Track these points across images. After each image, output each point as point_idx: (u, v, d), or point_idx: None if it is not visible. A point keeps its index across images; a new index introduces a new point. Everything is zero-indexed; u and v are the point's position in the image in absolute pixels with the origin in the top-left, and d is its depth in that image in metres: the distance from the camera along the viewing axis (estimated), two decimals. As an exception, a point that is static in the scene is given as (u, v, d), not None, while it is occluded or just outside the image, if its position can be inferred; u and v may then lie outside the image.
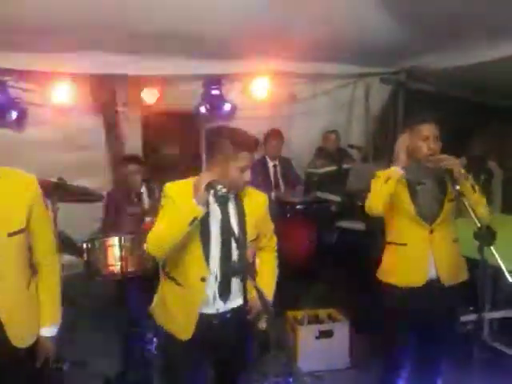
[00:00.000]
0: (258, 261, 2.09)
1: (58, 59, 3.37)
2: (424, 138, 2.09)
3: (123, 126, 3.96)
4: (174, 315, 1.89)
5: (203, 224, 1.82)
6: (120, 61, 3.61)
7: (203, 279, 1.83)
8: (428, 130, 2.10)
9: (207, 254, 1.84)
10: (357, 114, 4.77)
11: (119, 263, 2.57)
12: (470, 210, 1.88)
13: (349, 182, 4.12)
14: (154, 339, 3.00)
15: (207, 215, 1.81)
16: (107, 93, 3.77)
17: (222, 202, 1.79)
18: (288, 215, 4.08)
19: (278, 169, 4.33)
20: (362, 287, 3.47)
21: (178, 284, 1.88)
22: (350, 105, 4.72)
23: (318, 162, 4.46)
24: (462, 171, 2.01)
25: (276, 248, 2.14)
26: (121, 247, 2.59)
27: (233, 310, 1.91)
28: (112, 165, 3.87)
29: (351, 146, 4.57)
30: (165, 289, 1.95)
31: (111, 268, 2.61)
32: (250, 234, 1.91)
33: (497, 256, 1.76)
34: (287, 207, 4.09)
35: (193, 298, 1.86)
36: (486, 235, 1.78)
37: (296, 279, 3.97)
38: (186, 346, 1.86)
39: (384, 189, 2.09)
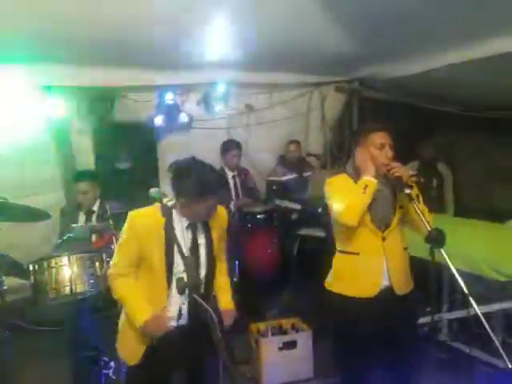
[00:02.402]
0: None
1: (4, 70, 3.20)
2: (379, 146, 2.10)
3: (74, 140, 3.81)
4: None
5: (169, 260, 1.85)
6: (71, 72, 3.48)
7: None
8: (382, 138, 2.11)
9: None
10: (314, 123, 4.81)
11: (68, 284, 2.43)
12: (419, 213, 1.90)
13: (308, 189, 4.14)
14: (111, 363, 2.87)
15: (171, 248, 1.85)
16: (57, 105, 3.61)
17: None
18: (249, 225, 4.05)
19: (238, 179, 4.31)
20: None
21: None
22: (307, 114, 4.76)
23: (279, 170, 4.49)
24: (410, 180, 2.03)
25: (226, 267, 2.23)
26: (70, 267, 2.45)
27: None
28: (63, 181, 3.70)
29: (309, 155, 4.62)
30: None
31: (60, 289, 2.46)
32: (216, 248, 2.00)
33: (447, 258, 1.78)
34: (248, 217, 4.06)
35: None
36: (437, 237, 1.80)
37: (259, 290, 3.94)
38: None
39: (363, 199, 2.04)
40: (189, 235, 1.90)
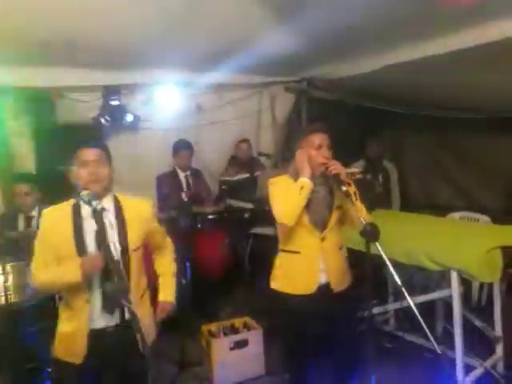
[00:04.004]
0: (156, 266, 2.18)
1: None
2: (317, 146, 2.15)
3: (14, 141, 3.63)
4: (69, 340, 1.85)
5: (78, 245, 1.79)
6: (9, 72, 3.31)
7: (87, 301, 1.82)
8: (320, 139, 2.17)
9: None
10: (264, 123, 4.85)
11: (3, 294, 2.31)
12: (356, 209, 1.96)
13: (258, 188, 4.17)
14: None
15: (81, 232, 1.80)
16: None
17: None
18: (199, 226, 4.02)
19: (190, 179, 4.27)
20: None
21: (70, 308, 1.86)
22: (258, 114, 4.79)
23: (231, 170, 4.50)
24: (348, 177, 2.10)
25: (172, 250, 2.17)
26: (5, 276, 2.34)
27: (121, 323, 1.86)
28: (1, 184, 3.51)
29: (260, 154, 4.65)
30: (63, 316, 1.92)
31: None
32: (133, 243, 1.89)
33: (381, 251, 1.85)
34: (198, 218, 4.03)
35: (80, 321, 1.83)
36: (372, 232, 1.87)
37: (211, 291, 3.93)
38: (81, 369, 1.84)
39: (299, 200, 2.08)
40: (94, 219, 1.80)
